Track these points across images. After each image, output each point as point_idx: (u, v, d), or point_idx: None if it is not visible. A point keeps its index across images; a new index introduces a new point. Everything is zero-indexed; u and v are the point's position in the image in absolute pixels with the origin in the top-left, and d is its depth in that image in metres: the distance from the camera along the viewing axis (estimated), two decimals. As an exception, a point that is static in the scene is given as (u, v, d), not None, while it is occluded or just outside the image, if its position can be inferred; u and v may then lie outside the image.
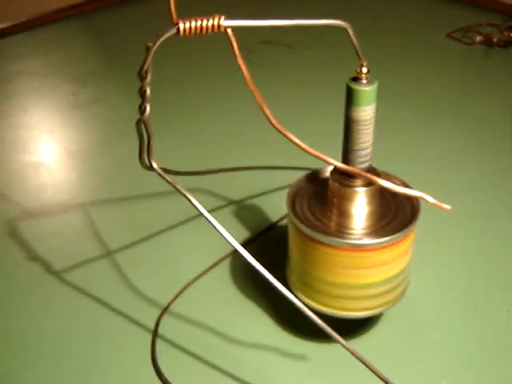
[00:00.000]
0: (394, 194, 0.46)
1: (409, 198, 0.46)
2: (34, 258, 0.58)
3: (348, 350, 0.39)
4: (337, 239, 0.41)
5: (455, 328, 0.50)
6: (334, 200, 0.44)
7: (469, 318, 0.50)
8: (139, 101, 0.37)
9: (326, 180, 0.46)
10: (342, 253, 0.42)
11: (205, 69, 0.99)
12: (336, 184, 0.43)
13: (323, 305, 0.45)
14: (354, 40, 0.38)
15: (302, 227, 0.43)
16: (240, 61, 0.35)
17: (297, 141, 0.36)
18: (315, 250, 0.43)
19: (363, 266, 0.42)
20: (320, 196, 0.46)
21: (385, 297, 0.45)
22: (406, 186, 0.46)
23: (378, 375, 0.40)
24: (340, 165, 0.40)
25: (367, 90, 0.39)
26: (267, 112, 0.36)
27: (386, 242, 0.41)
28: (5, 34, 1.13)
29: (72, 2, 1.22)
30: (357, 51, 0.39)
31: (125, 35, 1.13)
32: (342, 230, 0.43)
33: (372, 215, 0.44)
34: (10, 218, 0.64)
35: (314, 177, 0.48)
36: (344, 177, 0.43)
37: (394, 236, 0.41)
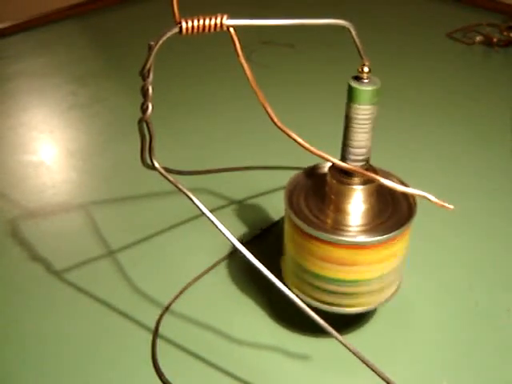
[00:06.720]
0: (392, 193, 0.46)
1: (406, 197, 0.46)
2: (34, 257, 0.58)
3: (346, 346, 0.39)
4: (333, 236, 0.41)
5: (455, 328, 0.50)
6: (332, 197, 0.44)
7: (469, 318, 0.50)
8: (140, 100, 0.37)
9: (323, 175, 0.46)
10: (337, 249, 0.42)
11: (205, 69, 0.99)
12: (334, 181, 0.43)
13: (317, 300, 0.46)
14: (357, 39, 0.38)
15: (299, 222, 0.43)
16: (242, 59, 0.35)
17: (298, 139, 0.36)
18: (311, 246, 0.43)
19: (358, 262, 0.42)
20: (317, 191, 0.46)
21: (378, 293, 0.45)
22: (403, 184, 0.46)
23: (376, 372, 0.40)
24: (342, 164, 0.40)
25: (367, 90, 0.39)
26: (269, 110, 0.36)
27: (381, 240, 0.41)
28: (5, 34, 1.13)
29: (72, 1, 1.22)
30: (359, 51, 0.39)
31: (125, 35, 1.13)
32: (338, 226, 0.43)
33: (369, 213, 0.44)
34: (10, 218, 0.64)
35: (312, 171, 0.48)
36: (342, 174, 0.43)
37: (389, 235, 0.41)
